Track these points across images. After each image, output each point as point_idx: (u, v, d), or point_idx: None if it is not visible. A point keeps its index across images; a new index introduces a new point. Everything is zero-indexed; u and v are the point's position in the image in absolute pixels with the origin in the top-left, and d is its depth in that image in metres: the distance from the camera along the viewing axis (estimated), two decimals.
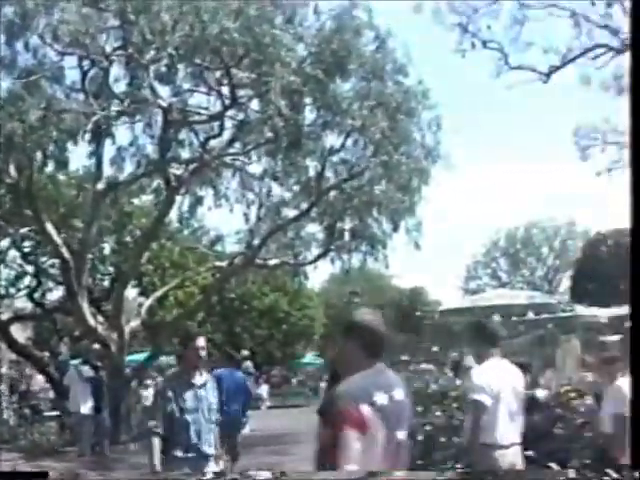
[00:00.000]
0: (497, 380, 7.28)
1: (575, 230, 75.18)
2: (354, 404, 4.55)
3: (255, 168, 25.33)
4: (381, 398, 4.66)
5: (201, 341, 8.27)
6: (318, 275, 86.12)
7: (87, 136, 21.40)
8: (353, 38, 21.60)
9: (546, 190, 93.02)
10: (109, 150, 23.02)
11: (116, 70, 21.92)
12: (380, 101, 22.25)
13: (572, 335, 23.46)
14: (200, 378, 8.30)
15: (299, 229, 27.09)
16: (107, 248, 35.14)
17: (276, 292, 46.10)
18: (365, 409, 4.55)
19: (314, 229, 27.06)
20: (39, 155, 21.71)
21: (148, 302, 27.70)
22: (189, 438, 8.03)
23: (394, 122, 22.45)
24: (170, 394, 8.06)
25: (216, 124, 23.16)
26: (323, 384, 24.82)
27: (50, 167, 23.66)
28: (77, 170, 29.62)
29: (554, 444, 10.41)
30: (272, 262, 27.43)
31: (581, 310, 30.21)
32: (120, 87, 22.10)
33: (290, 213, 26.12)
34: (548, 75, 24.83)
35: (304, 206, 25.08)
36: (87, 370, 19.16)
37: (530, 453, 10.09)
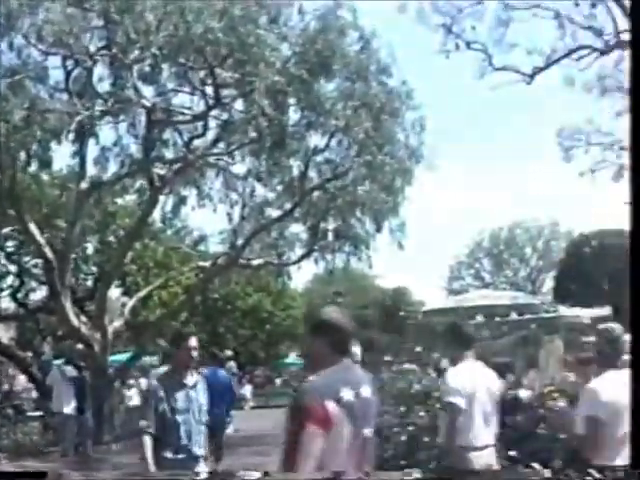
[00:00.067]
0: (471, 382, 7.30)
1: (558, 231, 75.32)
2: (319, 400, 4.59)
3: (239, 168, 25.40)
4: (347, 394, 4.70)
5: (193, 341, 8.21)
6: (302, 275, 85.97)
7: (71, 136, 21.38)
8: (337, 38, 21.64)
9: (529, 191, 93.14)
10: (93, 150, 23.07)
11: (100, 70, 21.97)
12: (364, 101, 22.30)
13: (555, 335, 23.52)
14: (191, 378, 8.24)
15: (283, 229, 27.13)
16: (90, 248, 35.17)
17: (260, 292, 46.13)
18: (330, 405, 4.60)
19: (298, 229, 27.15)
20: (23, 155, 21.70)
21: (131, 302, 27.62)
22: (179, 439, 7.95)
23: (378, 122, 22.51)
24: (162, 394, 8.00)
25: (200, 124, 23.15)
26: None
27: (34, 167, 23.60)
28: (61, 170, 29.64)
29: (537, 444, 10.44)
30: (256, 262, 27.45)
31: (564, 311, 30.30)
32: (104, 87, 22.13)
33: (274, 213, 26.18)
34: (532, 76, 24.88)
35: (288, 206, 25.13)
36: (70, 370, 19.10)
37: (513, 453, 10.14)
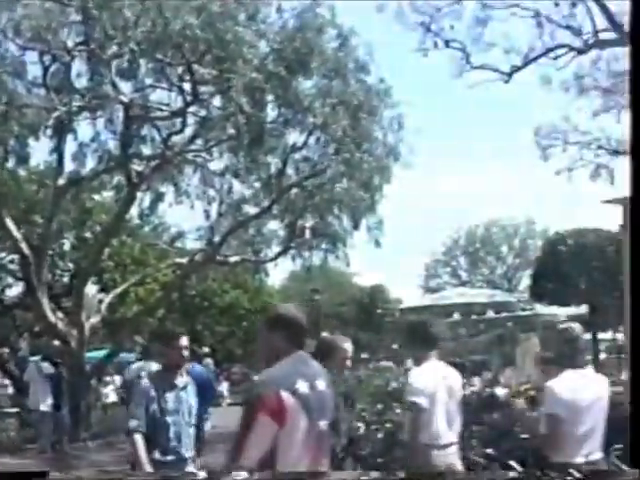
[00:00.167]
0: (434, 382, 7.34)
1: (534, 229, 75.66)
2: (273, 391, 4.66)
3: (216, 165, 25.33)
4: (303, 386, 4.77)
5: (184, 340, 8.11)
6: (279, 272, 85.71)
7: (48, 131, 21.34)
8: (315, 36, 21.65)
9: (506, 189, 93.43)
10: (70, 146, 22.95)
11: (78, 65, 21.86)
12: (342, 99, 22.33)
13: (532, 333, 23.65)
14: (182, 379, 8.14)
15: (260, 226, 27.17)
16: (67, 244, 35.04)
17: (237, 289, 46.05)
18: (285, 396, 4.65)
19: (275, 226, 27.17)
20: (0, 150, 21.57)
21: (108, 299, 27.49)
22: (169, 440, 7.83)
23: (356, 120, 22.54)
24: (153, 394, 7.89)
25: (178, 120, 23.10)
26: None
27: (11, 162, 23.42)
28: (38, 165, 29.54)
29: (514, 442, 10.49)
30: (233, 259, 27.48)
31: (540, 309, 30.46)
32: (82, 82, 22.00)
33: (251, 210, 26.18)
34: (510, 75, 24.90)
35: (265, 203, 25.12)
36: (47, 367, 19.07)
37: (490, 451, 10.19)
